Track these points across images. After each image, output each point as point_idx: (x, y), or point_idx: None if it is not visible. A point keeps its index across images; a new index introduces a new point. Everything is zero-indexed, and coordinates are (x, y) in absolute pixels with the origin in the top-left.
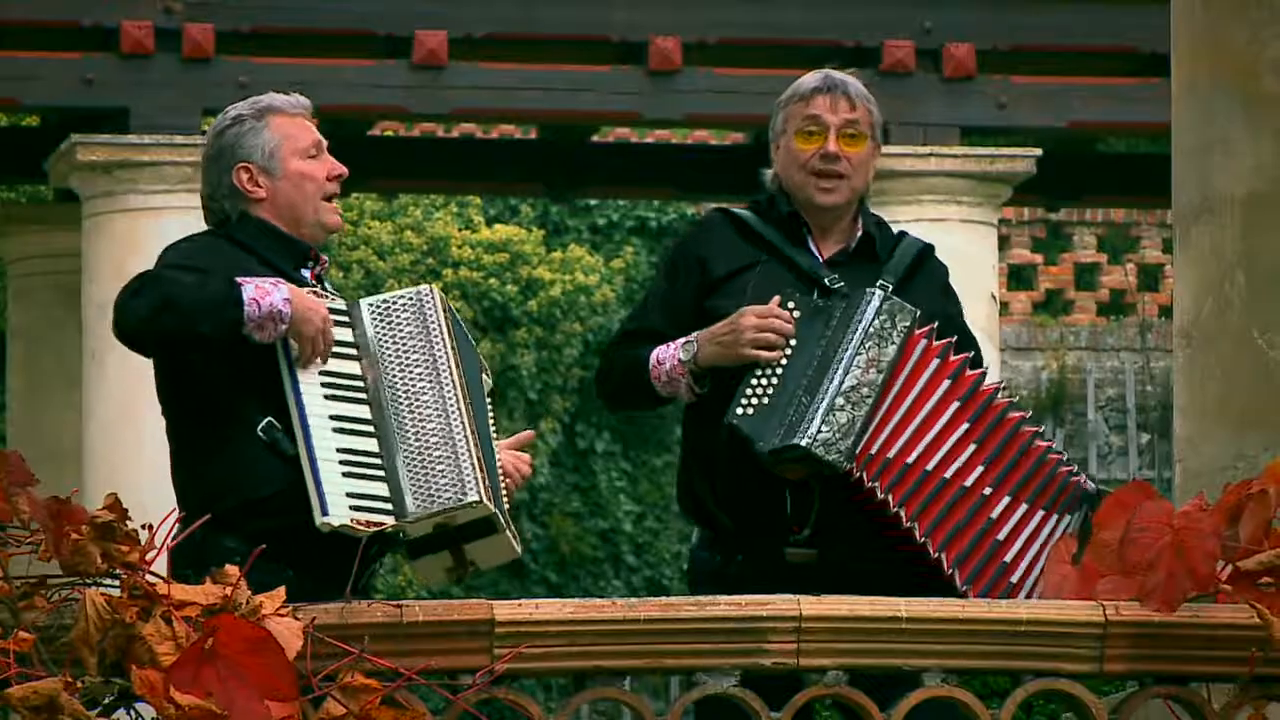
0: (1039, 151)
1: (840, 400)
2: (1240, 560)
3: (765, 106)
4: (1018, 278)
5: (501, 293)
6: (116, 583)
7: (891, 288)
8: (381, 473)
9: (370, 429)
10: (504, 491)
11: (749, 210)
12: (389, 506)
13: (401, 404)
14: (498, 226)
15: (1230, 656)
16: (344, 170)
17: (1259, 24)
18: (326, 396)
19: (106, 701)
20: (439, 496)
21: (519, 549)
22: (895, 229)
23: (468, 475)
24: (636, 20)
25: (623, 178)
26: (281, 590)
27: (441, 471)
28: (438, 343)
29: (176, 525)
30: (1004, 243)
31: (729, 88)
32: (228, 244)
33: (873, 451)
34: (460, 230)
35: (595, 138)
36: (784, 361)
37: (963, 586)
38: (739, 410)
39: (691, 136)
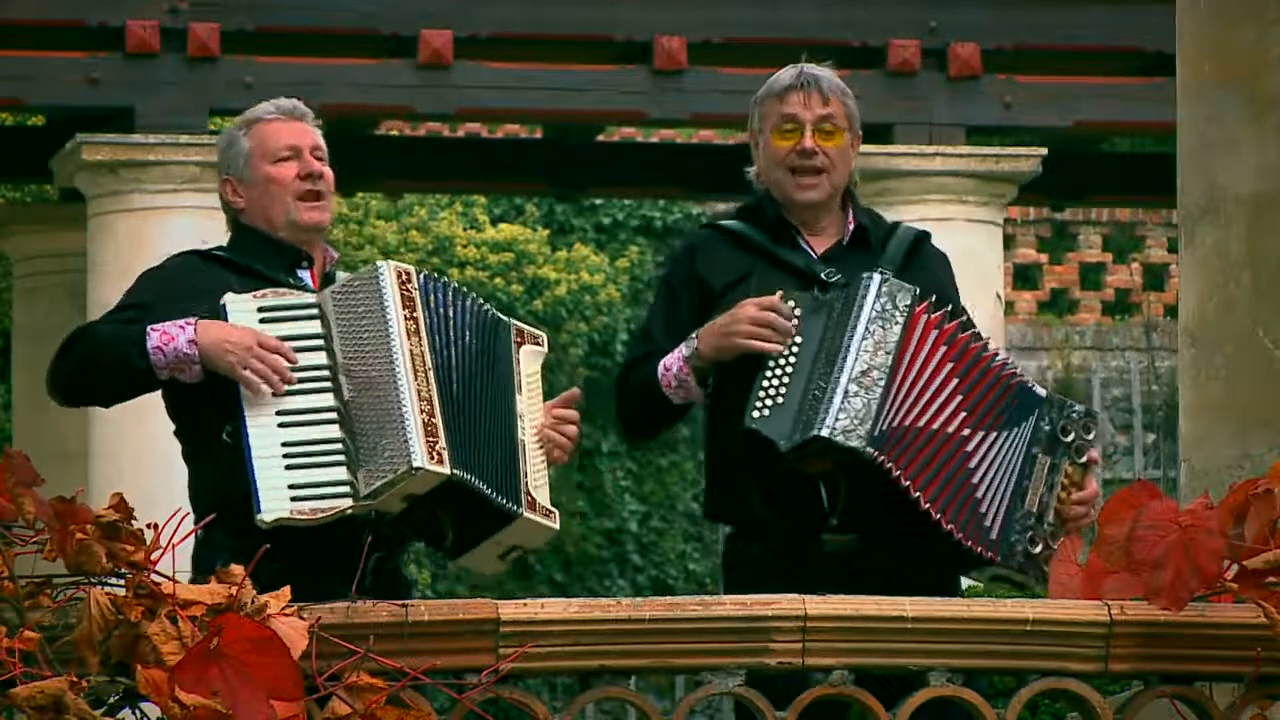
0: (1044, 151)
1: (854, 387)
2: (1246, 559)
3: None
4: (1023, 277)
5: (507, 292)
6: (122, 582)
7: (890, 273)
8: (342, 458)
9: (333, 416)
10: (539, 466)
11: (737, 220)
12: (346, 489)
13: (360, 384)
14: (503, 226)
15: (1236, 656)
16: (316, 168)
17: (1265, 23)
18: (276, 393)
19: (111, 701)
20: (385, 469)
21: (553, 525)
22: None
23: (413, 442)
24: (642, 19)
25: (628, 177)
26: (286, 590)
27: (389, 444)
28: (391, 317)
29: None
30: (1009, 242)
31: (734, 87)
32: (205, 263)
33: (886, 429)
34: (465, 230)
35: (601, 137)
36: (792, 359)
37: (958, 533)
38: (754, 414)
39: (697, 136)
